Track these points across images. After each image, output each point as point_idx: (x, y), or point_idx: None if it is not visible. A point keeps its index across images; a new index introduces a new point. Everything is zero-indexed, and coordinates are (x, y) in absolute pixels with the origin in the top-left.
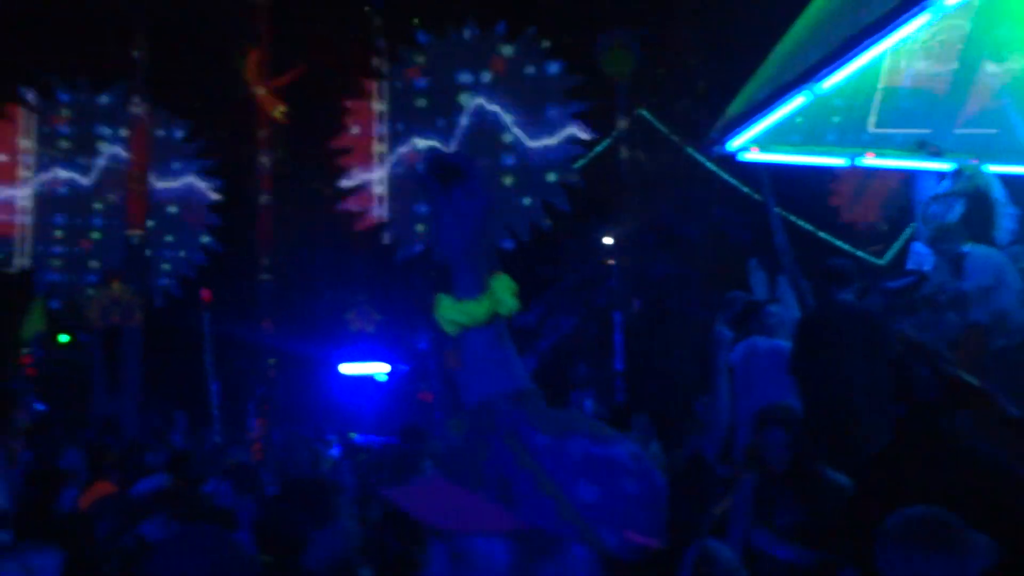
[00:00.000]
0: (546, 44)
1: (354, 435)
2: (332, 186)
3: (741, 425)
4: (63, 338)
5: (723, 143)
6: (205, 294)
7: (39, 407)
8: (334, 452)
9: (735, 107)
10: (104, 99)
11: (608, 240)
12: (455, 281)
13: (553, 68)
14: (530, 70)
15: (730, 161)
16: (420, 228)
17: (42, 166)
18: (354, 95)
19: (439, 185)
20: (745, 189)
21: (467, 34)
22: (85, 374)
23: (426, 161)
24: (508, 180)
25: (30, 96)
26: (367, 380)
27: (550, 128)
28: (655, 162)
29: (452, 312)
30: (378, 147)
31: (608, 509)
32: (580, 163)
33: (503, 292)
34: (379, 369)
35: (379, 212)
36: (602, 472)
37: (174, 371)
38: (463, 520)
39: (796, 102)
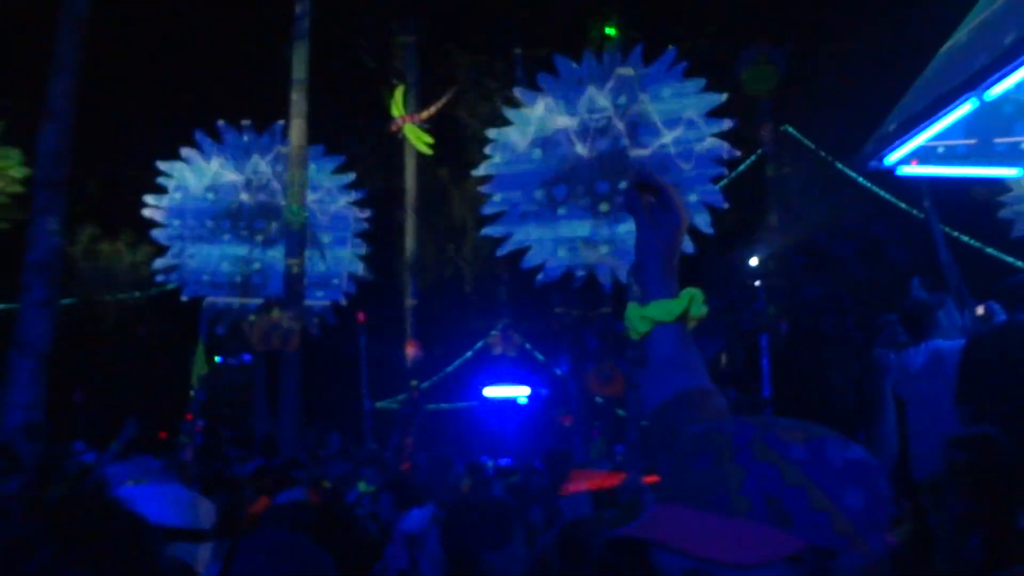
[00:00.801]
0: (685, 63)
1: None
2: (475, 213)
3: (921, 452)
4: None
5: (880, 157)
6: (360, 316)
7: (201, 423)
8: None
9: (893, 118)
10: (265, 138)
11: (754, 261)
12: (647, 287)
13: (693, 87)
14: (669, 90)
15: (886, 176)
16: (561, 252)
17: (214, 200)
18: (496, 124)
19: (640, 199)
20: (903, 205)
21: (605, 58)
22: (248, 395)
23: (632, 177)
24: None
25: (201, 137)
26: (509, 403)
27: (692, 149)
28: (803, 179)
29: (646, 311)
30: (520, 172)
31: (872, 513)
32: (723, 182)
33: (696, 297)
34: (520, 393)
35: (521, 238)
36: (862, 476)
37: (330, 392)
38: (733, 549)
39: (961, 110)
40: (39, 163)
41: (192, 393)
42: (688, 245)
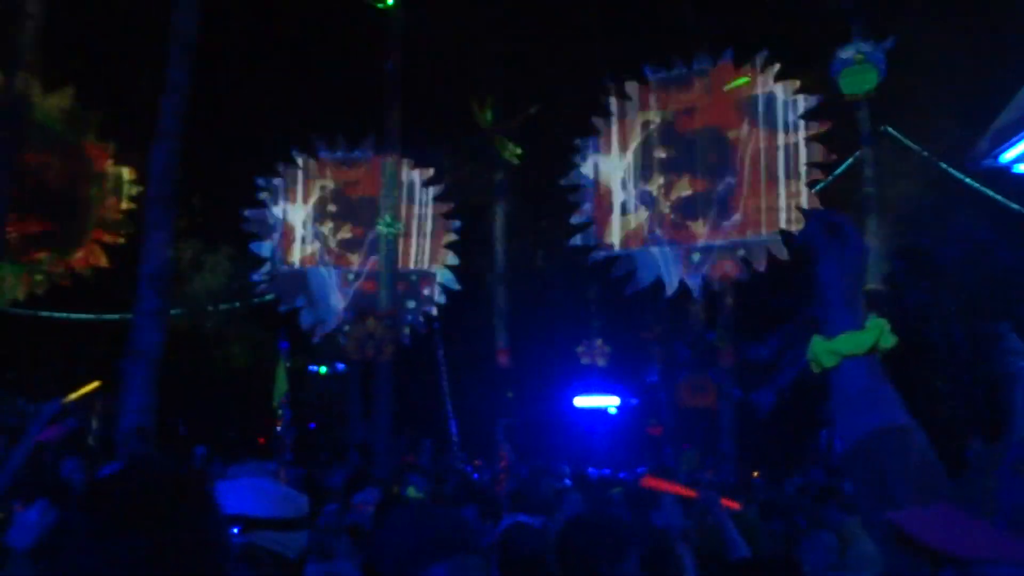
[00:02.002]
0: (778, 66)
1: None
2: (564, 222)
3: None
4: (322, 369)
5: (995, 154)
6: (435, 325)
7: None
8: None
9: (1007, 115)
10: (357, 152)
11: None
12: (832, 319)
13: (787, 89)
14: (762, 94)
15: (997, 176)
16: (651, 262)
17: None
18: (584, 133)
19: (824, 239)
20: (1014, 206)
21: (695, 64)
22: (343, 402)
23: (810, 220)
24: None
25: (297, 155)
26: (599, 413)
27: (786, 152)
28: (904, 181)
29: (834, 344)
30: (610, 183)
31: None
32: (819, 187)
33: (884, 328)
34: (610, 402)
35: (609, 247)
36: None
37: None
38: (980, 548)
39: None
40: (151, 181)
41: (279, 412)
42: (782, 252)
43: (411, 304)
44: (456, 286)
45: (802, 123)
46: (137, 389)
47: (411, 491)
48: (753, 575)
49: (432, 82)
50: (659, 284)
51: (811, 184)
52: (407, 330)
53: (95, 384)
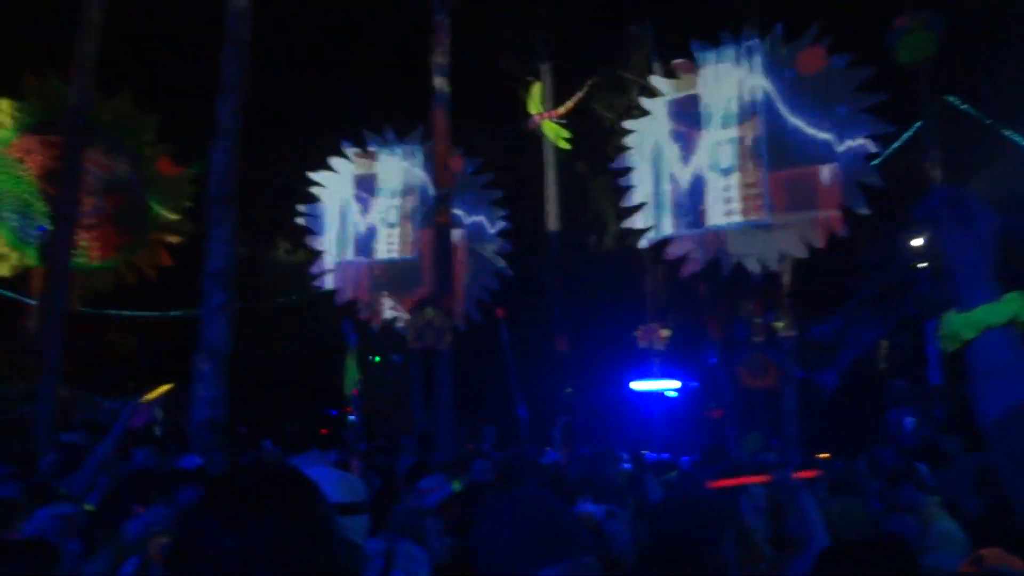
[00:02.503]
0: (830, 39)
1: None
2: (616, 206)
3: None
4: (375, 359)
5: None
6: (499, 312)
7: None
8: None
9: None
10: (406, 143)
11: (917, 242)
12: (965, 293)
13: (839, 62)
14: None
15: None
16: (706, 242)
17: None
18: (632, 116)
19: (947, 214)
20: None
21: (743, 42)
22: (402, 392)
23: (932, 196)
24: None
25: (348, 148)
26: (657, 397)
27: (841, 128)
28: (967, 152)
29: (973, 316)
30: (660, 163)
31: None
32: (878, 160)
33: (1022, 300)
34: (668, 386)
35: (662, 228)
36: None
37: (483, 389)
38: None
39: None
40: (211, 180)
41: (349, 400)
42: (841, 228)
43: (467, 292)
44: (509, 273)
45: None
46: (207, 382)
47: (456, 484)
48: (866, 557)
49: (479, 70)
50: (716, 264)
51: (869, 158)
52: (464, 318)
53: (169, 386)
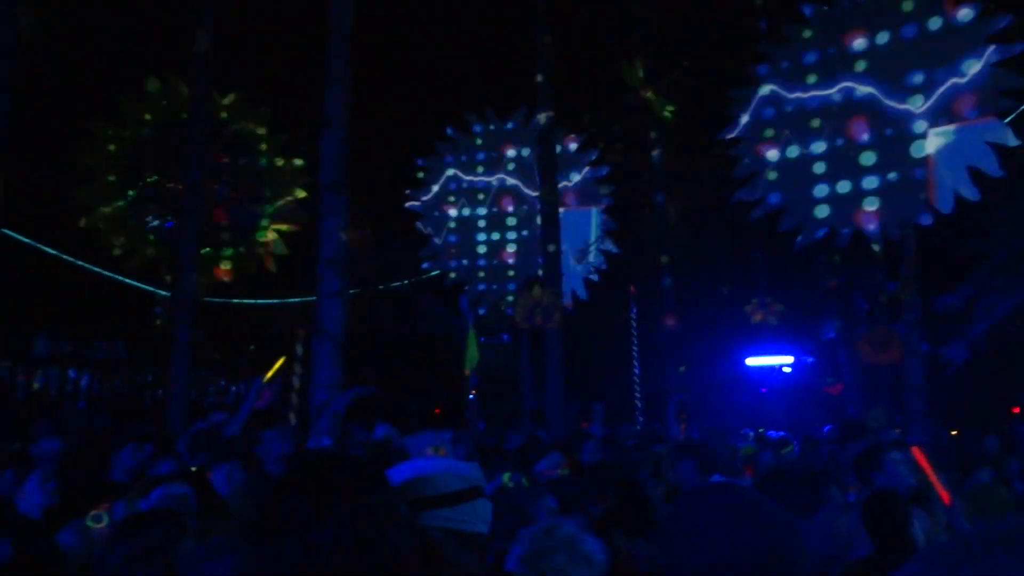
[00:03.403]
0: None
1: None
2: (724, 178)
3: None
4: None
5: None
6: (632, 288)
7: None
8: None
9: None
10: (510, 124)
11: None
12: None
13: (965, 13)
14: (936, 21)
15: None
16: (820, 212)
17: (462, 190)
18: (739, 83)
19: None
20: None
21: None
22: (511, 372)
23: None
24: (933, 143)
25: (451, 131)
26: (772, 372)
27: (969, 82)
28: None
29: None
30: (768, 132)
31: None
32: (1012, 116)
33: None
34: (783, 361)
35: (774, 199)
36: None
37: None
38: None
39: None
40: (322, 169)
41: (468, 378)
42: (972, 191)
43: (574, 270)
44: (615, 250)
45: (990, 48)
46: (325, 366)
47: (506, 477)
48: None
49: (580, 45)
50: (832, 234)
51: (1002, 115)
52: (569, 296)
53: (281, 360)
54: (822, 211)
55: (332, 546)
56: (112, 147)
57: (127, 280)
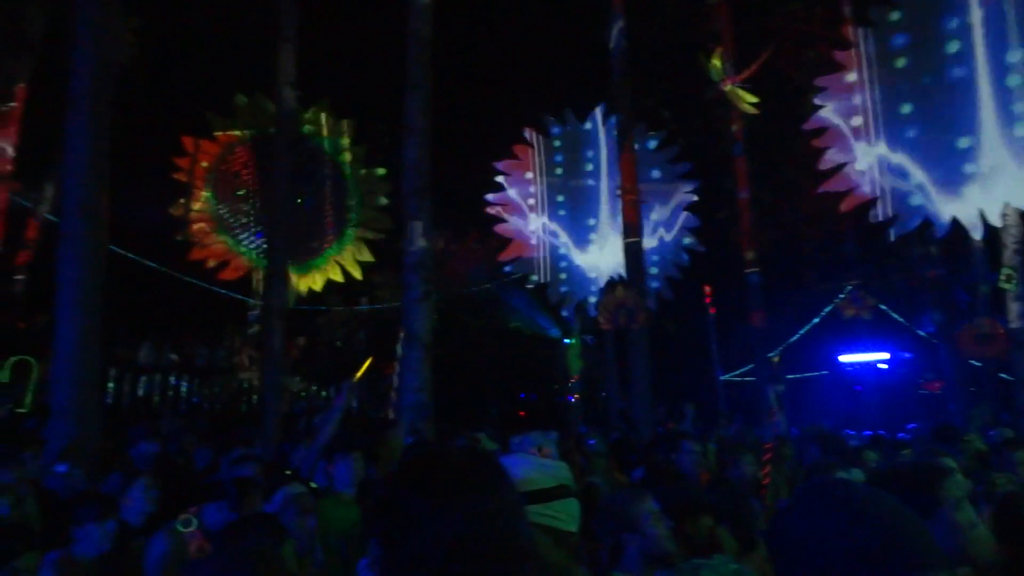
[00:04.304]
0: None
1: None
2: (811, 170)
3: None
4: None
5: None
6: (707, 289)
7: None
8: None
9: None
10: (588, 124)
11: None
12: None
13: None
14: None
15: None
16: (915, 200)
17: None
18: (824, 71)
19: None
20: None
21: None
22: (596, 372)
23: None
24: None
25: (529, 135)
26: (867, 369)
27: None
28: None
29: None
30: (856, 121)
31: None
32: None
33: None
34: (878, 358)
35: (866, 189)
36: None
37: (680, 367)
38: None
39: None
40: (404, 175)
41: (572, 379)
42: None
43: (654, 270)
44: (700, 248)
45: None
46: (413, 370)
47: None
48: None
49: (658, 40)
50: (928, 223)
51: None
52: (653, 296)
53: (368, 361)
54: (917, 199)
55: (454, 539)
56: (204, 163)
57: (222, 290)
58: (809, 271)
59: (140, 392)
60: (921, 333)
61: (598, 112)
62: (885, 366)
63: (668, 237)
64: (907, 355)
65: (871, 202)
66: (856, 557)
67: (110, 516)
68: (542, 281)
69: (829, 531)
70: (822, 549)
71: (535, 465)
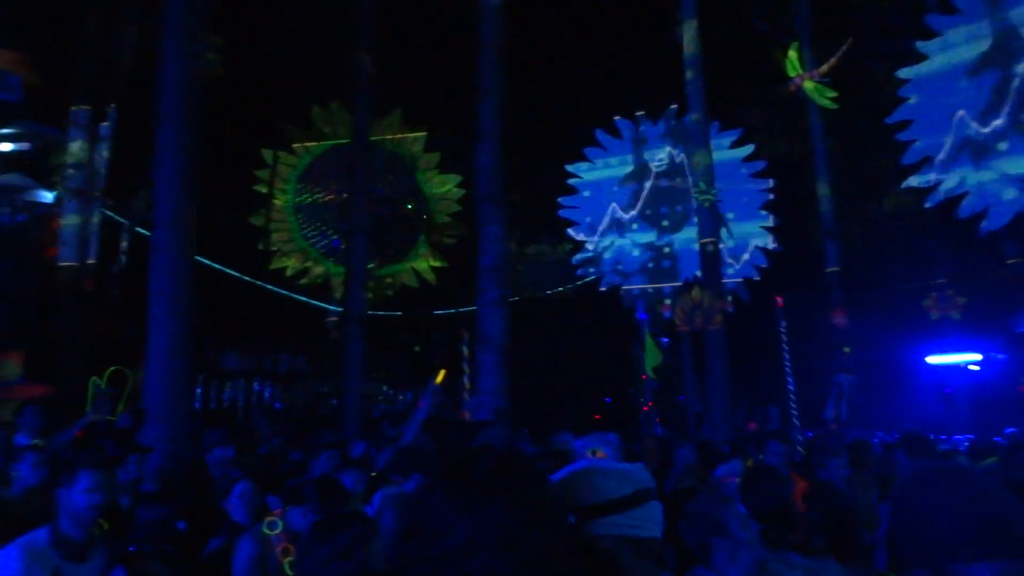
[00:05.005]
0: None
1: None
2: (894, 164)
3: None
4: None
5: None
6: (779, 300)
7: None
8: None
9: None
10: (661, 125)
11: None
12: None
13: None
14: None
15: None
16: (1008, 193)
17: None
18: (903, 63)
19: None
20: None
21: None
22: (670, 375)
23: None
24: None
25: (602, 136)
26: (957, 371)
27: None
28: None
29: None
30: (942, 110)
31: None
32: None
33: None
34: (969, 358)
35: (953, 183)
36: None
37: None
38: None
39: None
40: (479, 180)
41: (646, 381)
42: None
43: (730, 271)
44: (776, 247)
45: None
46: (489, 373)
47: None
48: None
49: (730, 38)
50: (1021, 218)
51: None
52: (729, 297)
53: (442, 372)
54: (1010, 193)
55: (467, 547)
56: (283, 174)
57: (301, 298)
58: (894, 268)
59: (226, 397)
60: (1017, 332)
61: (671, 112)
62: (977, 367)
63: (744, 236)
64: (1002, 355)
65: (960, 196)
66: (973, 532)
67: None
68: (614, 283)
69: (949, 507)
70: (942, 525)
71: (606, 471)
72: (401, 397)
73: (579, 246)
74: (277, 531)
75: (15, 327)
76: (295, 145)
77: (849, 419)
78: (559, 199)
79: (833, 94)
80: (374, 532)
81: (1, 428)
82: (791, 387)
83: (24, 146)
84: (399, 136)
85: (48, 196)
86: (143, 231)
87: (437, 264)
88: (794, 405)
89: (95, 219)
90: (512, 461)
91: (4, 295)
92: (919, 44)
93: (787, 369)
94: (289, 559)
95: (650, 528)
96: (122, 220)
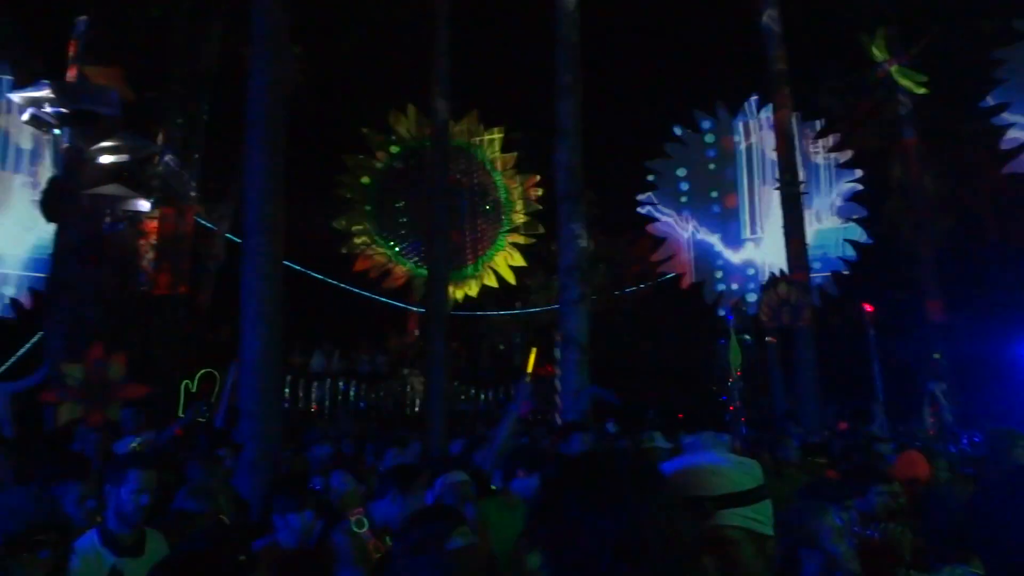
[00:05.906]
0: None
1: None
2: (992, 149)
3: None
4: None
5: None
6: (868, 308)
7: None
8: None
9: None
10: (741, 117)
11: None
12: None
13: None
14: None
15: None
16: None
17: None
18: (1001, 43)
19: None
20: None
21: None
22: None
23: None
24: None
25: (680, 130)
26: None
27: None
28: None
29: None
30: None
31: None
32: None
33: None
34: None
35: None
36: None
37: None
38: None
39: None
40: (558, 179)
41: (731, 382)
42: None
43: (817, 265)
44: (865, 239)
45: None
46: (571, 371)
47: None
48: None
49: (812, 25)
50: None
51: None
52: (816, 292)
53: (533, 352)
54: None
55: (617, 541)
56: (364, 179)
57: (384, 299)
58: (993, 258)
59: (312, 397)
60: None
61: (752, 103)
62: None
63: (831, 229)
64: None
65: None
66: None
67: (308, 506)
68: (696, 280)
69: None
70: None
71: (734, 464)
72: (483, 396)
73: (660, 243)
74: (365, 529)
75: (118, 330)
76: (376, 150)
77: (954, 423)
78: (639, 196)
79: (923, 78)
80: (459, 520)
81: (102, 428)
82: (880, 392)
83: (123, 158)
84: (477, 138)
85: (145, 205)
86: (233, 237)
87: (516, 263)
88: (881, 400)
89: (188, 226)
90: (635, 460)
91: (107, 300)
92: (1016, 22)
93: (878, 390)
94: (379, 555)
95: (767, 525)
96: (213, 227)
